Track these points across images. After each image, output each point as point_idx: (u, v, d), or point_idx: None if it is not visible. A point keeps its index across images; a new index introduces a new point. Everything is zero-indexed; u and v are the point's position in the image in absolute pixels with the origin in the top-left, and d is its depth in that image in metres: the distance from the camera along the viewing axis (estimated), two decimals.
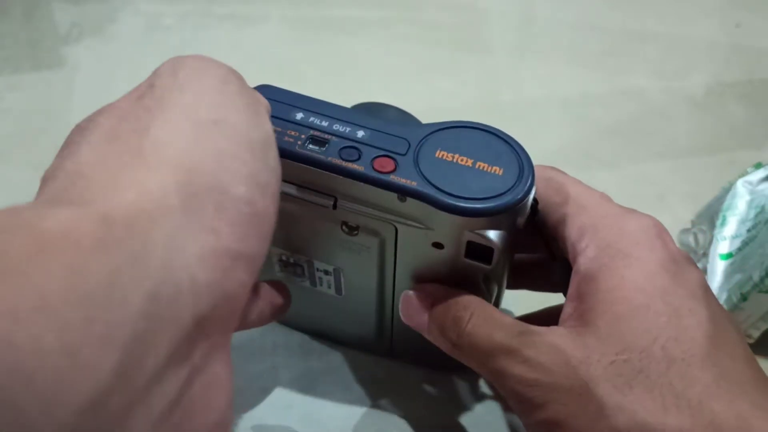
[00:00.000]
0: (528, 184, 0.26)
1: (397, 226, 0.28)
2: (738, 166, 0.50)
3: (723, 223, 0.47)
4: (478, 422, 0.37)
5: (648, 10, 0.79)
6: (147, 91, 0.21)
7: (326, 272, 0.33)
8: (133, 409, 0.15)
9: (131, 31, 0.74)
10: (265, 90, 0.30)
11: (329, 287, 0.34)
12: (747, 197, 0.47)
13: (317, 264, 0.33)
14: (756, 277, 0.40)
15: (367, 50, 0.73)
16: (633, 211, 0.28)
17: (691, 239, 0.48)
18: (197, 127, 0.19)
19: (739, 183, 0.48)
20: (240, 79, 0.23)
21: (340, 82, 0.67)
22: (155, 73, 0.22)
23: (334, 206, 0.28)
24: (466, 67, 0.69)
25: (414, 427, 0.36)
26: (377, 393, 0.37)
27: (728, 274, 0.44)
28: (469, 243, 0.27)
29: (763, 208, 0.45)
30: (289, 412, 0.36)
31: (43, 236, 0.15)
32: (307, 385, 0.37)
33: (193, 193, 0.18)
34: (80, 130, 0.20)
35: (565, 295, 0.28)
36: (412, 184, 0.26)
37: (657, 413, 0.22)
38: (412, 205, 0.26)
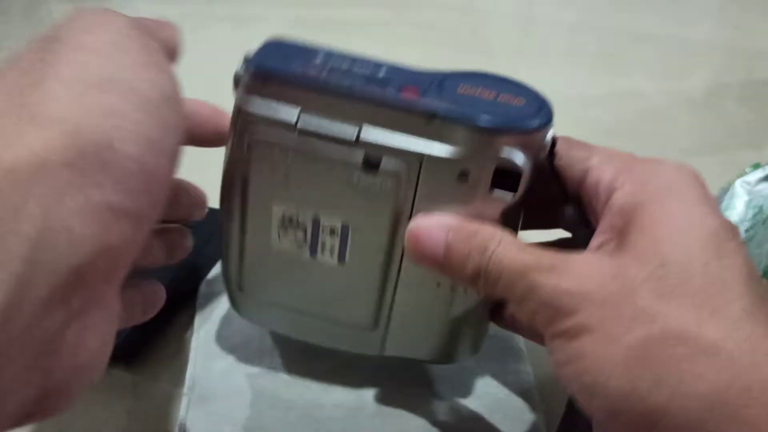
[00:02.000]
0: (550, 114, 0.27)
1: (423, 159, 0.27)
2: (737, 167, 0.50)
3: None
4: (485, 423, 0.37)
5: (647, 11, 0.79)
6: (48, 44, 0.21)
7: (332, 232, 0.30)
8: (11, 346, 0.17)
9: None
10: (274, 45, 0.29)
11: (332, 254, 0.31)
12: (745, 197, 0.47)
13: (324, 220, 0.30)
14: None
15: (367, 51, 0.73)
16: (665, 159, 0.28)
17: None
18: (88, 85, 0.19)
19: (737, 183, 0.49)
20: (141, 34, 0.23)
21: None
22: (58, 24, 0.22)
23: (357, 138, 0.27)
24: (466, 68, 0.69)
25: (417, 428, 0.36)
26: (379, 394, 0.37)
27: None
28: (497, 170, 0.26)
29: (761, 208, 0.45)
30: (289, 413, 0.36)
31: None
32: (308, 386, 0.37)
33: (79, 150, 0.18)
34: None
35: (574, 234, 0.28)
36: (442, 105, 0.26)
37: (693, 323, 0.21)
38: (441, 128, 0.26)
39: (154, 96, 0.20)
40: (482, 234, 0.26)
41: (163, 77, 0.21)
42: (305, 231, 0.31)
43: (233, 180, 0.31)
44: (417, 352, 0.35)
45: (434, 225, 0.27)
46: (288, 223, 0.31)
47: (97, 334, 0.21)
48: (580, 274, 0.23)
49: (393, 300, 0.32)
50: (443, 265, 0.27)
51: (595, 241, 0.26)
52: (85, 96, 0.19)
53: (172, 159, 0.21)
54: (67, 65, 0.20)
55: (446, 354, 0.34)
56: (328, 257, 0.31)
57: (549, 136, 0.27)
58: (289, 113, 0.27)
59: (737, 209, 0.47)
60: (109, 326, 0.21)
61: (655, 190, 0.25)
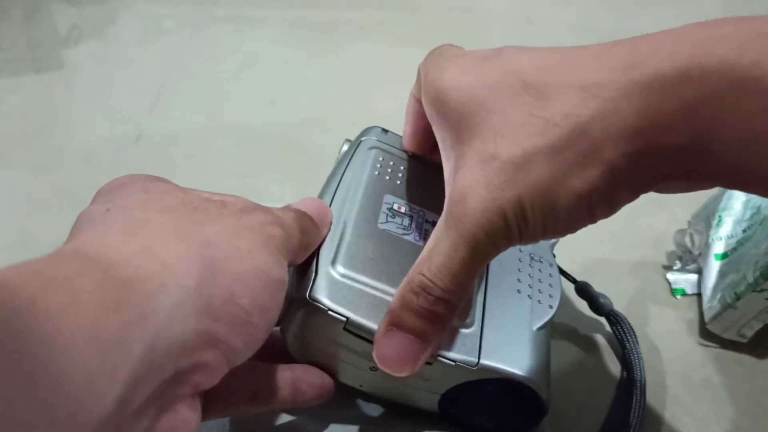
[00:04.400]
0: None
1: None
2: None
3: (719, 224, 0.47)
4: None
5: (647, 12, 0.79)
6: (215, 205, 0.27)
7: (434, 224, 0.30)
8: (120, 427, 0.20)
9: (131, 33, 0.75)
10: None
11: None
12: (743, 198, 0.48)
13: (428, 216, 0.34)
14: (750, 278, 0.40)
15: (367, 52, 0.73)
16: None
17: (687, 239, 0.48)
18: (232, 252, 0.24)
19: None
20: (287, 240, 0.28)
21: (339, 84, 0.68)
22: (228, 201, 0.28)
23: None
24: None
25: None
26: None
27: (723, 273, 0.44)
28: None
29: (758, 208, 0.45)
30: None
31: (78, 293, 0.19)
32: None
33: (208, 285, 0.23)
34: (150, 201, 0.26)
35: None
36: None
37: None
38: None
39: (274, 278, 0.25)
40: (410, 285, 0.28)
41: (283, 270, 0.26)
42: (411, 218, 0.34)
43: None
44: (514, 363, 0.31)
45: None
46: (396, 210, 0.34)
47: (184, 430, 0.23)
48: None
49: (485, 299, 0.32)
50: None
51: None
52: (227, 258, 0.24)
53: (270, 324, 0.26)
54: (223, 231, 0.25)
55: (536, 373, 0.32)
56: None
57: None
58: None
59: (735, 209, 0.47)
60: (194, 423, 0.24)
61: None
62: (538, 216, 0.24)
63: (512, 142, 0.24)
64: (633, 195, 0.24)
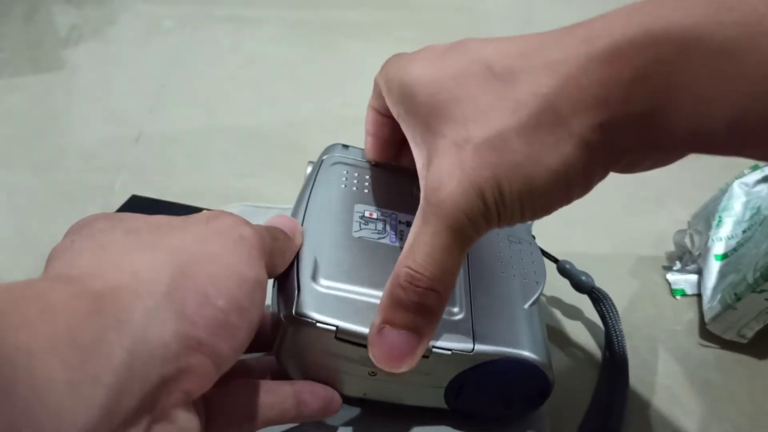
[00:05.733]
0: None
1: None
2: (735, 168, 0.50)
3: (719, 224, 0.47)
4: None
5: None
6: (178, 220, 0.27)
7: (408, 224, 0.33)
8: None
9: (131, 34, 0.75)
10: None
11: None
12: (743, 198, 0.48)
13: (400, 217, 0.34)
14: (750, 278, 0.40)
15: (366, 52, 0.73)
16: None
17: (687, 240, 0.48)
18: (202, 256, 0.24)
19: (736, 184, 0.49)
20: (259, 239, 0.27)
21: (339, 84, 0.68)
22: (209, 215, 0.28)
23: None
24: None
25: None
26: None
27: (723, 274, 0.44)
28: None
29: (758, 209, 0.45)
30: None
31: (51, 303, 0.20)
32: None
33: (180, 289, 0.23)
34: (111, 226, 0.26)
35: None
36: None
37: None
38: None
39: (250, 277, 0.25)
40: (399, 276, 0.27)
41: (259, 271, 0.26)
42: (385, 223, 0.34)
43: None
44: (509, 342, 0.31)
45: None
46: (369, 216, 0.34)
47: None
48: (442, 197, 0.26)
49: (470, 287, 0.32)
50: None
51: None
52: (194, 262, 0.24)
53: (252, 327, 0.26)
54: (189, 237, 0.25)
55: (533, 348, 0.32)
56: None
57: None
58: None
59: (735, 210, 0.47)
60: (193, 429, 0.24)
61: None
62: (515, 195, 0.25)
63: (484, 125, 0.25)
64: (604, 170, 0.25)
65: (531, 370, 0.31)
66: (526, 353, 0.31)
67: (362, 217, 0.34)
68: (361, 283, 0.30)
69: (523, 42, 0.26)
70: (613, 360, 0.40)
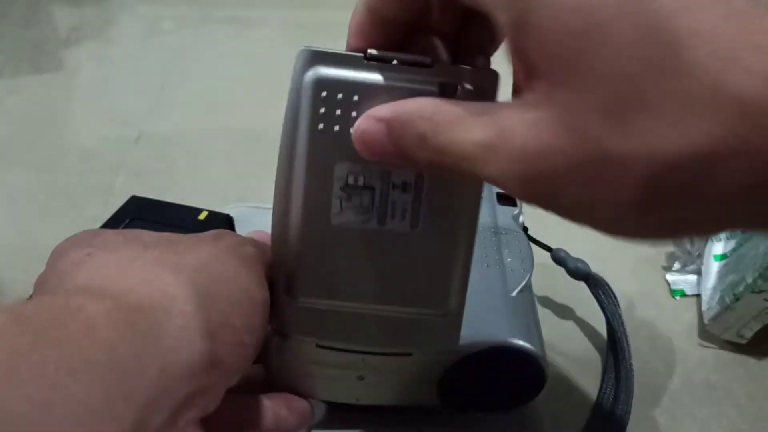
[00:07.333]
0: None
1: None
2: None
3: None
4: None
5: None
6: (189, 237, 0.27)
7: (404, 187, 0.26)
8: None
9: (131, 35, 0.75)
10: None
11: (403, 217, 0.27)
12: None
13: (394, 177, 0.26)
14: (749, 279, 0.40)
15: None
16: None
17: (686, 240, 0.48)
18: (220, 276, 0.25)
19: None
20: (262, 256, 0.28)
21: None
22: (200, 236, 0.28)
23: (432, 63, 0.24)
24: None
25: None
26: None
27: (722, 275, 0.44)
28: None
29: None
30: None
31: (91, 319, 0.20)
32: None
33: (205, 308, 0.23)
34: (128, 241, 0.26)
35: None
36: None
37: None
38: None
39: (259, 298, 0.26)
40: (412, 122, 0.22)
41: (265, 291, 0.27)
42: (372, 192, 0.27)
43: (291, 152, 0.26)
44: (493, 330, 0.31)
45: (371, 124, 0.23)
46: (353, 183, 0.26)
47: None
48: (530, 149, 0.19)
49: (467, 276, 0.29)
50: (399, 160, 0.23)
51: (515, 71, 0.21)
52: (215, 283, 0.25)
53: (257, 343, 0.26)
54: (203, 257, 0.26)
55: (519, 334, 0.32)
56: (398, 222, 0.27)
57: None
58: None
59: None
60: None
61: None
62: None
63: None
64: None
65: (520, 356, 0.31)
66: (513, 340, 0.30)
67: (345, 186, 0.26)
68: (342, 298, 0.28)
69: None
70: (614, 348, 0.40)
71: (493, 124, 0.20)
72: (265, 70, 0.71)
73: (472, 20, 0.26)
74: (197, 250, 0.26)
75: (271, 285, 0.28)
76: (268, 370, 0.31)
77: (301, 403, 0.31)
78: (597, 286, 0.41)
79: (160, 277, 0.24)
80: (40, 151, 0.58)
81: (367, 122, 0.24)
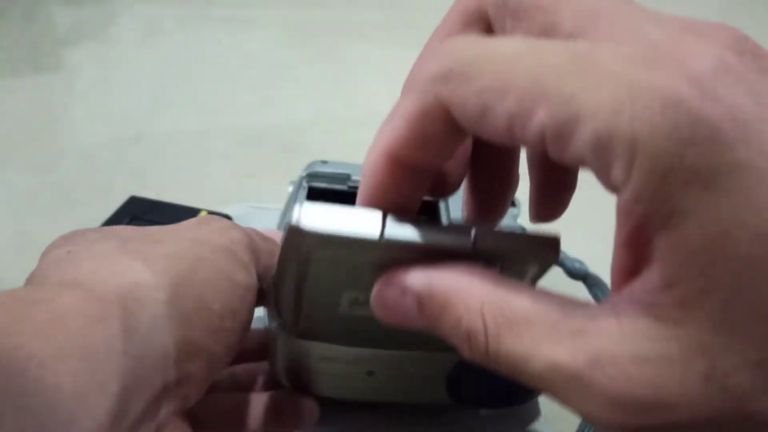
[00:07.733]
0: None
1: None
2: None
3: None
4: None
5: None
6: (169, 227, 0.27)
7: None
8: None
9: (130, 34, 0.75)
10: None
11: None
12: None
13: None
14: None
15: (366, 53, 0.73)
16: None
17: None
18: (196, 261, 0.25)
19: None
20: (249, 241, 0.28)
21: (338, 85, 0.68)
22: (183, 223, 0.28)
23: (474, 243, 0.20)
24: None
25: None
26: None
27: None
28: None
29: None
30: None
31: (60, 309, 0.20)
32: None
33: (179, 295, 0.23)
34: (101, 237, 0.26)
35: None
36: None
37: None
38: None
39: (240, 281, 0.26)
40: (454, 307, 0.18)
41: (249, 274, 0.27)
42: None
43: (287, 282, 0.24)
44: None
45: (396, 295, 0.19)
46: (364, 300, 0.23)
47: None
48: (640, 391, 0.15)
49: None
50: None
51: (620, 260, 0.16)
52: (191, 268, 0.24)
53: (242, 328, 0.26)
54: (182, 243, 0.25)
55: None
56: None
57: None
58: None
59: None
60: None
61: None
62: None
63: None
64: None
65: None
66: None
67: (354, 302, 0.24)
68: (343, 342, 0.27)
69: None
70: None
71: (583, 344, 0.15)
72: (265, 70, 0.71)
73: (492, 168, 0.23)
74: (175, 238, 0.26)
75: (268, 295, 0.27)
76: (272, 366, 0.31)
77: (302, 401, 0.31)
78: (595, 285, 0.42)
79: (132, 267, 0.23)
80: (39, 151, 0.58)
81: (390, 291, 0.19)
